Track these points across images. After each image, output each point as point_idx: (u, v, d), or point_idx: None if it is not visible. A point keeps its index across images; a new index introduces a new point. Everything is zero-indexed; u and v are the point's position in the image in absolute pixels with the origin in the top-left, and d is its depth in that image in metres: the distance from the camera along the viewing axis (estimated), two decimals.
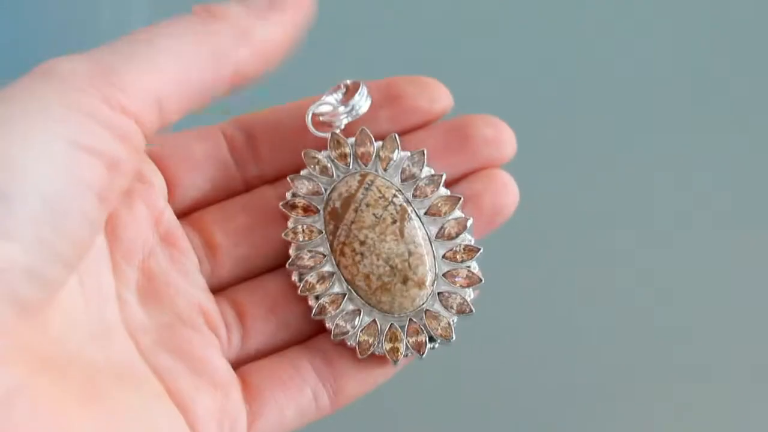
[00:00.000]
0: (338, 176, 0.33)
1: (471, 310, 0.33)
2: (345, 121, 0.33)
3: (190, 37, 0.29)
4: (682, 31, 0.59)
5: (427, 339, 0.33)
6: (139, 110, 0.27)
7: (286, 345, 0.33)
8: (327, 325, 0.33)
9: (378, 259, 0.33)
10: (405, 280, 0.33)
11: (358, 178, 0.33)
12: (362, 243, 0.33)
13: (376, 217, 0.33)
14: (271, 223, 0.34)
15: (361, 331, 0.33)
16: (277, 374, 0.32)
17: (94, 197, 0.27)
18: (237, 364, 0.33)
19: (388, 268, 0.33)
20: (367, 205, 0.33)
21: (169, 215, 0.33)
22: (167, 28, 0.29)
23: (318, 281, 0.33)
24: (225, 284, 0.34)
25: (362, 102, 0.33)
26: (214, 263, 0.33)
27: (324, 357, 0.33)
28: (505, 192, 0.33)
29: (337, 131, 0.33)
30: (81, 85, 0.27)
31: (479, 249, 0.33)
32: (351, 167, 0.33)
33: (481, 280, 0.33)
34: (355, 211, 0.33)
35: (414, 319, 0.33)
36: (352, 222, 0.33)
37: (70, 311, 0.28)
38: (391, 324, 0.33)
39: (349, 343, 0.33)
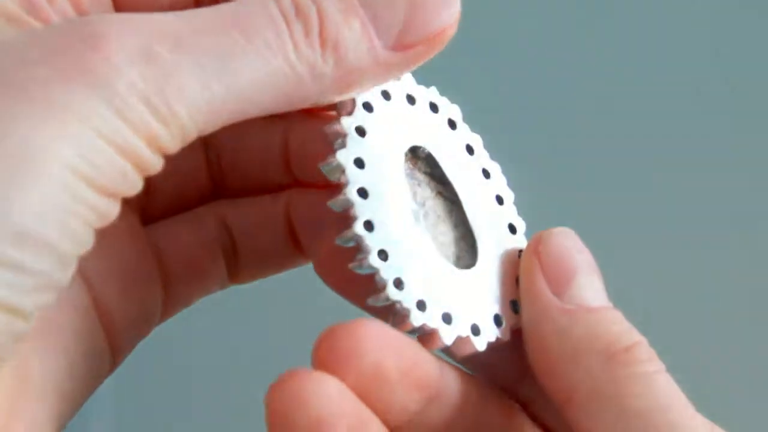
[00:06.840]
0: None
1: None
2: None
3: (270, 57, 0.21)
4: (681, 31, 0.59)
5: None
6: (172, 150, 0.21)
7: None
8: None
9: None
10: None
11: None
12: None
13: None
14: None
15: None
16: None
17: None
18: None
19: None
20: None
21: None
22: (245, 37, 0.21)
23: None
24: None
25: None
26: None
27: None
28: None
29: None
30: (128, 114, 0.19)
31: None
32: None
33: None
34: None
35: None
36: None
37: None
38: None
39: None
